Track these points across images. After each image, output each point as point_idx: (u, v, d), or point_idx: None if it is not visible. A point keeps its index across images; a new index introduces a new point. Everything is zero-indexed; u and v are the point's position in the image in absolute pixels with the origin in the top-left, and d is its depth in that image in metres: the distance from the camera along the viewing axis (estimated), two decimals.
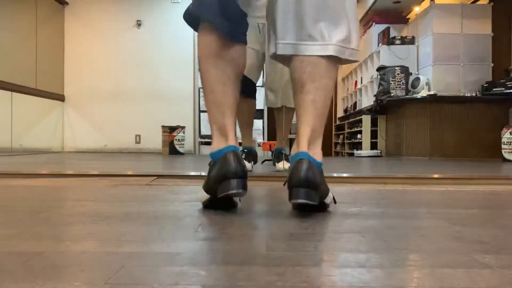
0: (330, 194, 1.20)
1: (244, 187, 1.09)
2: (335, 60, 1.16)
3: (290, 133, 2.88)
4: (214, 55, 1.17)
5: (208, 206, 1.18)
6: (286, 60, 1.22)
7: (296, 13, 1.13)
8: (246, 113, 2.57)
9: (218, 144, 1.15)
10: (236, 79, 1.19)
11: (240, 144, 2.15)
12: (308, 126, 1.12)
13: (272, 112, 2.79)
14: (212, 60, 1.17)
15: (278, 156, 2.64)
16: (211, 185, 1.13)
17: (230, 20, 1.15)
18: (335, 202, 1.23)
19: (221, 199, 1.12)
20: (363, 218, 1.10)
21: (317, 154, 1.12)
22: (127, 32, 6.72)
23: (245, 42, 1.22)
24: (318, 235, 0.91)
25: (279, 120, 2.70)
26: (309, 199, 1.04)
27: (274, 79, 2.56)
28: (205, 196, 1.18)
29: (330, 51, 1.13)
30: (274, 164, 2.67)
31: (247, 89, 2.45)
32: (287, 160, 2.48)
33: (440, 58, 5.64)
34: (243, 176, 1.09)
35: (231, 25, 1.15)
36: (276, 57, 1.24)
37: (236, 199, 1.21)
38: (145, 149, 6.66)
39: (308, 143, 1.11)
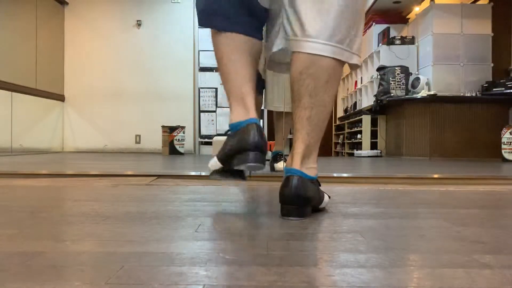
0: (326, 199, 1.21)
1: (263, 161, 1.07)
2: (335, 69, 1.09)
3: (290, 133, 2.88)
4: (228, 46, 1.13)
5: (216, 176, 1.17)
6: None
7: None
8: None
9: (238, 116, 1.10)
10: (252, 55, 1.14)
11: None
12: (303, 143, 1.10)
13: (272, 112, 2.79)
14: (227, 49, 1.13)
15: (276, 158, 2.66)
16: (227, 155, 1.10)
17: (245, 17, 1.12)
18: (329, 197, 1.25)
19: (234, 170, 1.11)
20: (363, 218, 1.10)
21: (311, 169, 1.11)
22: (127, 32, 6.72)
23: (259, 38, 1.16)
24: (318, 235, 0.91)
25: (278, 124, 2.71)
26: (299, 216, 1.07)
27: (276, 84, 2.57)
28: (217, 165, 1.15)
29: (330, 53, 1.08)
30: (272, 168, 2.67)
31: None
32: (286, 161, 2.49)
33: (440, 58, 5.64)
34: (263, 150, 1.06)
35: (246, 23, 1.12)
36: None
37: (246, 172, 1.18)
38: (145, 149, 6.66)
39: (301, 159, 1.09)
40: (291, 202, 1.06)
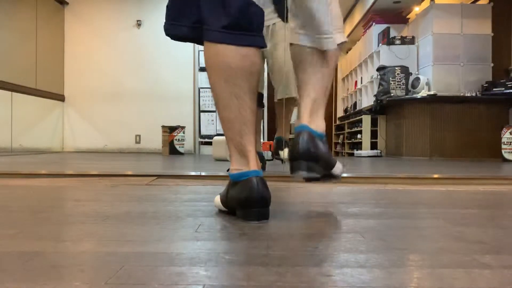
0: (339, 165, 1.18)
1: (267, 216, 1.04)
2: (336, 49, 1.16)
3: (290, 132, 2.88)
4: (223, 67, 1.03)
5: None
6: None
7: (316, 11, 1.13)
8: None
9: (238, 166, 1.05)
10: (250, 91, 1.05)
11: None
12: (309, 97, 1.12)
13: (272, 112, 2.79)
14: (222, 73, 1.03)
15: (279, 144, 2.62)
16: (231, 205, 1.09)
17: (238, 23, 1.01)
18: (343, 165, 1.23)
19: None
20: (363, 218, 1.10)
21: (319, 125, 1.12)
22: (127, 32, 6.72)
23: (259, 46, 1.05)
24: (318, 235, 0.91)
25: (279, 111, 2.70)
26: (310, 171, 1.06)
27: (273, 72, 2.56)
28: (221, 206, 1.14)
29: (341, 39, 1.15)
30: (277, 153, 2.62)
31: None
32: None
33: (440, 58, 5.65)
34: (267, 203, 1.03)
35: (238, 30, 1.02)
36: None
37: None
38: (145, 149, 6.66)
39: (309, 115, 1.11)
40: (301, 156, 1.05)
